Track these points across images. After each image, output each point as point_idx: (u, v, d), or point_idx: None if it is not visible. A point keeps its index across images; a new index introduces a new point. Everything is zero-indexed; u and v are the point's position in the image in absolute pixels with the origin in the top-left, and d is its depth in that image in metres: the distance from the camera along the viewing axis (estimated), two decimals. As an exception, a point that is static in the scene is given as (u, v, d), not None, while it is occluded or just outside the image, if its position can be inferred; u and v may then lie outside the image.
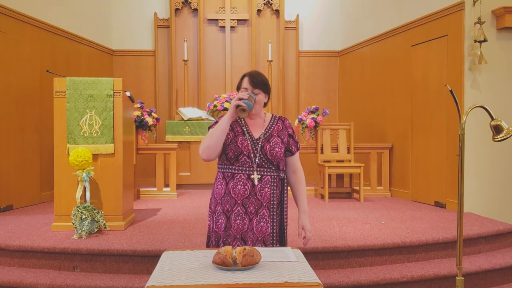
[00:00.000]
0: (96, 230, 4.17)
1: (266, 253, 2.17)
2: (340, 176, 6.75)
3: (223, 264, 1.93)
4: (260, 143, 2.46)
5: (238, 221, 2.44)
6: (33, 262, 3.77)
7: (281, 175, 2.53)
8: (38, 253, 3.77)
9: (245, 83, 2.49)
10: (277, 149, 2.47)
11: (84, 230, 4.01)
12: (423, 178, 6.05)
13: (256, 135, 2.49)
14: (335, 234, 4.21)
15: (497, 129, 2.79)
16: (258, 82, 2.48)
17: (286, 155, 2.56)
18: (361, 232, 4.27)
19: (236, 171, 2.45)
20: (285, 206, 2.55)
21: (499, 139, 2.78)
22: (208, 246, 2.57)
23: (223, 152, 2.47)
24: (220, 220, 2.47)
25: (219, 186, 2.50)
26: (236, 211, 2.44)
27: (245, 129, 2.49)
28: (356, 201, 6.27)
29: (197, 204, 5.92)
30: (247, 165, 2.44)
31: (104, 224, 4.23)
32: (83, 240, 3.91)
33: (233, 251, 1.97)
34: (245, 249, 1.96)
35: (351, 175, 6.70)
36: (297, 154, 2.61)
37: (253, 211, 2.45)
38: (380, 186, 6.79)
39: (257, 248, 2.10)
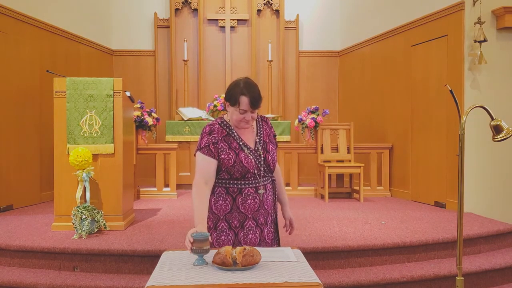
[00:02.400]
0: (96, 230, 4.17)
1: (266, 253, 2.16)
2: (340, 176, 6.75)
3: (223, 264, 1.93)
4: (261, 155, 2.39)
5: (250, 235, 2.37)
6: (33, 262, 3.77)
7: (273, 177, 2.51)
8: (38, 253, 3.77)
9: (244, 104, 2.27)
10: (275, 156, 2.46)
11: (84, 230, 4.01)
12: (423, 178, 6.05)
13: (251, 144, 2.40)
14: (335, 234, 4.21)
15: (497, 129, 2.79)
16: (258, 102, 2.30)
17: None
18: (361, 232, 4.27)
19: (243, 186, 2.35)
20: (277, 206, 2.55)
21: (499, 139, 2.78)
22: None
23: (224, 172, 2.35)
24: (223, 237, 2.37)
25: (221, 202, 2.37)
26: (247, 226, 2.37)
27: (241, 143, 2.36)
28: (356, 201, 6.27)
29: (197, 204, 5.91)
30: (253, 179, 2.37)
31: (104, 224, 4.22)
32: (83, 240, 3.91)
33: (233, 251, 1.97)
34: (245, 249, 1.96)
35: (351, 175, 6.69)
36: None
37: (263, 222, 2.42)
38: (380, 186, 6.79)
39: (257, 248, 2.10)
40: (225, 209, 2.37)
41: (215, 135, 2.34)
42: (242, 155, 2.33)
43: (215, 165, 2.33)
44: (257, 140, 2.42)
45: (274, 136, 2.54)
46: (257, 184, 2.37)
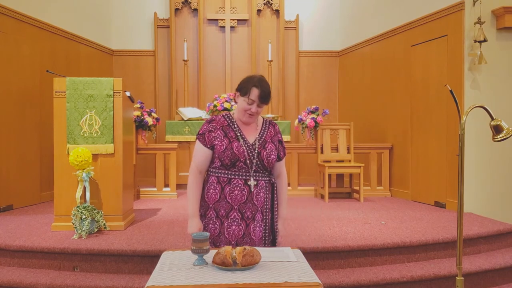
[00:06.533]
0: (96, 230, 4.17)
1: (266, 253, 2.17)
2: (340, 176, 6.75)
3: (223, 264, 1.93)
4: (256, 149, 2.44)
5: (233, 226, 2.42)
6: (33, 262, 3.78)
7: (272, 179, 2.53)
8: (38, 253, 3.77)
9: (254, 95, 2.39)
10: (272, 156, 2.47)
11: (84, 230, 4.01)
12: (423, 178, 6.05)
13: (251, 139, 2.46)
14: (335, 234, 4.21)
15: (497, 129, 2.79)
16: (266, 97, 2.41)
17: None
18: (361, 232, 4.27)
19: (233, 176, 2.42)
20: (275, 209, 2.55)
21: (499, 139, 2.78)
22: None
23: (217, 159, 2.43)
24: (211, 225, 2.45)
25: (211, 191, 2.45)
26: (232, 217, 2.42)
27: (238, 134, 2.45)
28: (356, 201, 6.27)
29: (197, 204, 5.91)
30: (243, 171, 2.42)
31: (104, 224, 4.23)
32: (83, 240, 3.91)
33: (233, 251, 1.97)
34: (245, 249, 1.97)
35: (351, 175, 6.70)
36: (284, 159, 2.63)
37: (250, 216, 2.44)
38: (380, 186, 6.79)
39: (257, 248, 2.10)
40: (214, 197, 2.45)
41: (214, 124, 2.47)
42: (236, 143, 2.41)
43: (208, 154, 2.45)
44: (258, 137, 2.48)
45: (280, 142, 2.56)
46: (247, 177, 2.42)
